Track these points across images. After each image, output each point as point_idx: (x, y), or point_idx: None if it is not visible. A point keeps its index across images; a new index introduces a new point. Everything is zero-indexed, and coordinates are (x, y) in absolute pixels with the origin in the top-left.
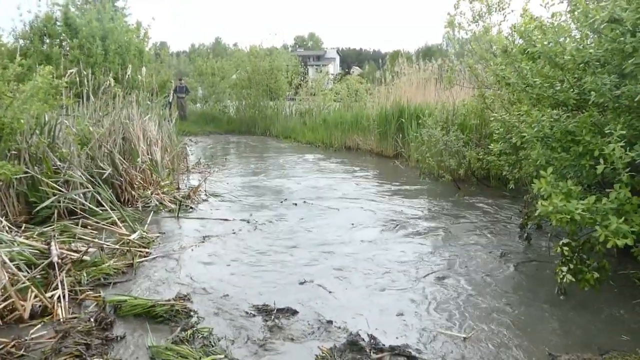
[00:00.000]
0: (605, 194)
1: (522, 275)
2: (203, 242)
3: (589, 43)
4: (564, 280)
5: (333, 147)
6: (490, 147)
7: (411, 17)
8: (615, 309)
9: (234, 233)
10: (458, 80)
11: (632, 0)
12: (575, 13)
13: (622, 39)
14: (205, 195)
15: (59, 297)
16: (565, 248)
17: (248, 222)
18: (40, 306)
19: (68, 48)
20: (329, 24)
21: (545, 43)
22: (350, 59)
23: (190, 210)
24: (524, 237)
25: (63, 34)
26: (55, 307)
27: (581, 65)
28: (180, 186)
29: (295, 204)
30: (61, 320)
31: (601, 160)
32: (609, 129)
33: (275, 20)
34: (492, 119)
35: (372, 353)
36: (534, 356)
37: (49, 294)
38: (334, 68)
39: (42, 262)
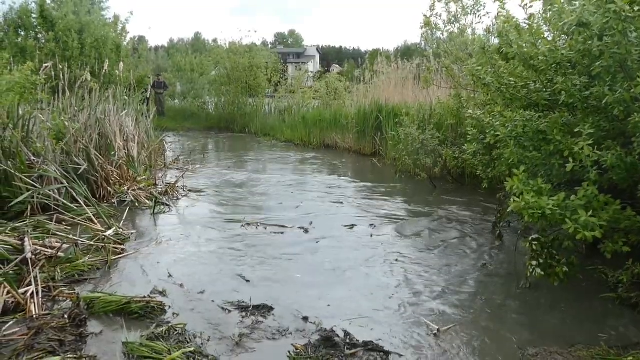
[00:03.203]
0: (574, 191)
1: (493, 271)
2: (179, 238)
3: (561, 44)
4: (534, 274)
5: (312, 145)
6: (465, 147)
7: (392, 16)
8: (582, 304)
9: (211, 229)
10: (435, 80)
11: (600, 5)
12: (548, 14)
13: (590, 42)
14: (183, 191)
15: (32, 293)
16: (535, 243)
17: (226, 219)
18: (13, 302)
19: (44, 41)
20: (310, 21)
21: (521, 44)
22: (330, 57)
23: (167, 206)
24: (496, 235)
25: (39, 27)
26: (28, 303)
27: (553, 66)
28: (157, 182)
29: (281, 202)
30: (34, 316)
31: (570, 159)
32: (579, 129)
33: (256, 15)
34: (467, 116)
35: (346, 349)
36: (502, 349)
37: (22, 290)
38: (313, 66)
39: (16, 258)
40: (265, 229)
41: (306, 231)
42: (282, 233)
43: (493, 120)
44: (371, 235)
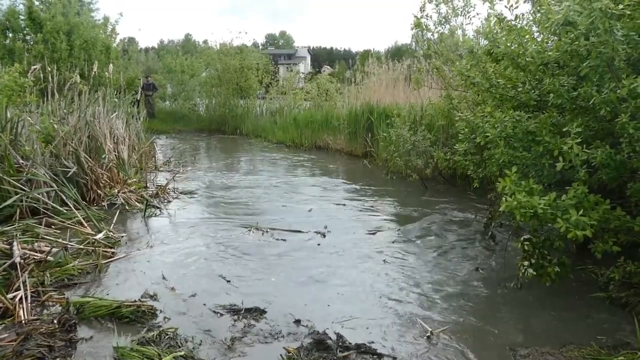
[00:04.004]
0: (564, 192)
1: (485, 272)
2: (170, 241)
3: (549, 45)
4: (526, 274)
5: (303, 147)
6: (456, 147)
7: (382, 16)
8: (573, 304)
9: (202, 232)
10: (426, 81)
11: (586, 5)
12: (537, 15)
13: (577, 42)
14: (174, 193)
15: (20, 298)
16: (527, 243)
17: (218, 222)
18: (1, 308)
19: (32, 43)
20: (302, 21)
21: (509, 44)
22: (321, 58)
23: (158, 209)
24: (487, 235)
25: (27, 28)
26: (17, 308)
27: (541, 67)
28: (148, 185)
29: (285, 205)
30: (23, 322)
31: (560, 159)
32: (567, 128)
33: (247, 15)
34: (457, 119)
35: (338, 351)
36: (494, 351)
37: (10, 295)
38: (304, 67)
39: (4, 262)
40: (272, 235)
41: (323, 235)
42: (283, 239)
43: (482, 122)
44: (393, 242)
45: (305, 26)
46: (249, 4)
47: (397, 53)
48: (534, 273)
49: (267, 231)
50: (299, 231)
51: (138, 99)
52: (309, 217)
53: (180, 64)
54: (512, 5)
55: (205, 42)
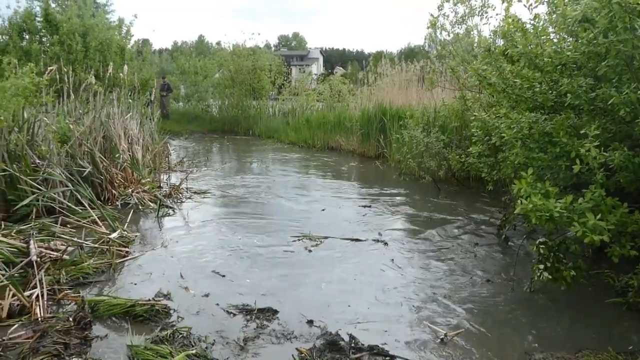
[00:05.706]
0: (581, 194)
1: (499, 275)
2: (183, 240)
3: (566, 46)
4: (541, 278)
5: (316, 148)
6: (470, 149)
7: (395, 18)
8: (588, 309)
9: (215, 232)
10: (439, 82)
11: (605, 5)
12: (554, 16)
13: (595, 40)
14: (187, 193)
15: (37, 296)
16: (542, 246)
17: (231, 222)
18: (18, 305)
19: (48, 44)
20: (314, 23)
21: (526, 44)
22: (333, 59)
23: (171, 209)
24: (501, 238)
25: (43, 30)
26: (33, 306)
27: (559, 68)
28: (161, 185)
29: (324, 208)
30: (39, 319)
31: (577, 161)
32: (585, 131)
33: (260, 17)
34: (472, 119)
35: (351, 353)
36: (509, 355)
37: (27, 293)
38: (317, 68)
39: (21, 261)
40: (287, 238)
41: (385, 244)
42: (298, 239)
43: (498, 122)
44: (406, 245)
45: (318, 28)
46: (261, 6)
47: (410, 54)
48: (549, 277)
49: (321, 241)
50: (358, 239)
51: (152, 99)
52: (334, 220)
53: (193, 65)
54: (531, 5)
55: (218, 43)
